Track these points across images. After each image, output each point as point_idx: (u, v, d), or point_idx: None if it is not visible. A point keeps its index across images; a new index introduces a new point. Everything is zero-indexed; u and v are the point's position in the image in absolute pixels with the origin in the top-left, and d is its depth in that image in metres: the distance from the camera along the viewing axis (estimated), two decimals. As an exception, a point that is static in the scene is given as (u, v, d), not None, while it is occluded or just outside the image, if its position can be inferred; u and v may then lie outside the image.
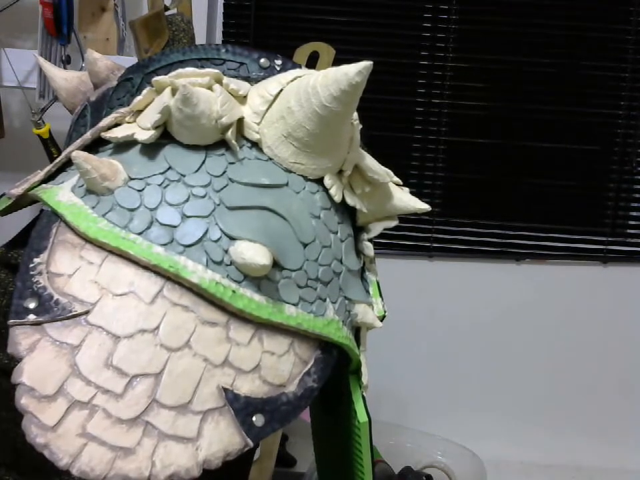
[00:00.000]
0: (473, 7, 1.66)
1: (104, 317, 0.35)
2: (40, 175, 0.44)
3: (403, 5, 1.66)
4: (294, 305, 0.39)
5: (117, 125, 0.43)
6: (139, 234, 0.37)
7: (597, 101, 1.68)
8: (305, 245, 0.40)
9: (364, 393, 0.46)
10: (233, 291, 0.36)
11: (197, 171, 0.40)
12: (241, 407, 0.35)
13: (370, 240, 0.49)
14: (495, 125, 1.69)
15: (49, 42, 1.13)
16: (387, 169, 0.47)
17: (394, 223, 0.50)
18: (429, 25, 1.67)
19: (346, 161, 0.44)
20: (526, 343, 1.71)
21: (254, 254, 0.36)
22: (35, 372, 0.33)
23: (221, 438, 0.34)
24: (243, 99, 0.43)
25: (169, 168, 0.39)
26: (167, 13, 1.09)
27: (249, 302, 0.37)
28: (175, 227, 0.37)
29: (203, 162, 0.40)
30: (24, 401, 0.32)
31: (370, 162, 0.46)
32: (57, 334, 0.34)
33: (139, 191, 0.38)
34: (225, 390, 0.35)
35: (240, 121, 0.42)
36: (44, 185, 0.43)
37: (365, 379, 0.46)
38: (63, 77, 0.54)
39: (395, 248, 1.71)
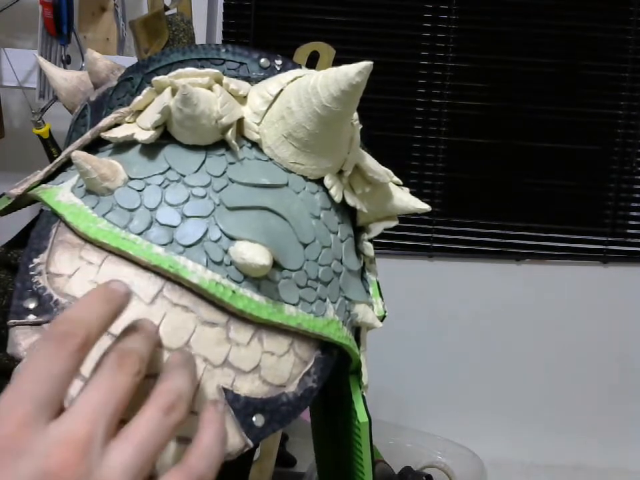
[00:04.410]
0: (472, 7, 1.66)
1: (104, 317, 0.35)
2: (40, 174, 0.44)
3: (403, 5, 1.66)
4: (294, 305, 0.39)
5: (116, 125, 0.43)
6: (139, 234, 0.36)
7: (597, 101, 1.68)
8: (305, 245, 0.40)
9: (364, 393, 0.46)
10: (233, 291, 0.36)
11: (196, 171, 0.39)
12: (240, 407, 0.35)
13: (370, 240, 0.49)
14: (495, 125, 1.69)
15: (49, 42, 1.13)
16: (387, 169, 0.47)
17: (394, 223, 0.50)
18: (429, 25, 1.67)
19: (346, 161, 0.44)
20: (526, 342, 1.71)
21: (254, 254, 0.36)
22: (34, 372, 0.33)
23: (220, 438, 0.34)
24: (243, 99, 0.43)
25: (169, 168, 0.39)
26: (167, 13, 1.09)
27: (249, 302, 0.37)
28: (174, 227, 0.37)
29: (203, 162, 0.40)
30: (24, 401, 0.32)
31: (370, 162, 0.46)
32: (57, 334, 0.34)
33: (139, 191, 0.38)
34: (225, 390, 0.35)
35: (240, 121, 0.42)
36: (43, 185, 0.43)
37: (365, 379, 0.46)
38: (62, 77, 0.53)
39: (395, 248, 1.71)
